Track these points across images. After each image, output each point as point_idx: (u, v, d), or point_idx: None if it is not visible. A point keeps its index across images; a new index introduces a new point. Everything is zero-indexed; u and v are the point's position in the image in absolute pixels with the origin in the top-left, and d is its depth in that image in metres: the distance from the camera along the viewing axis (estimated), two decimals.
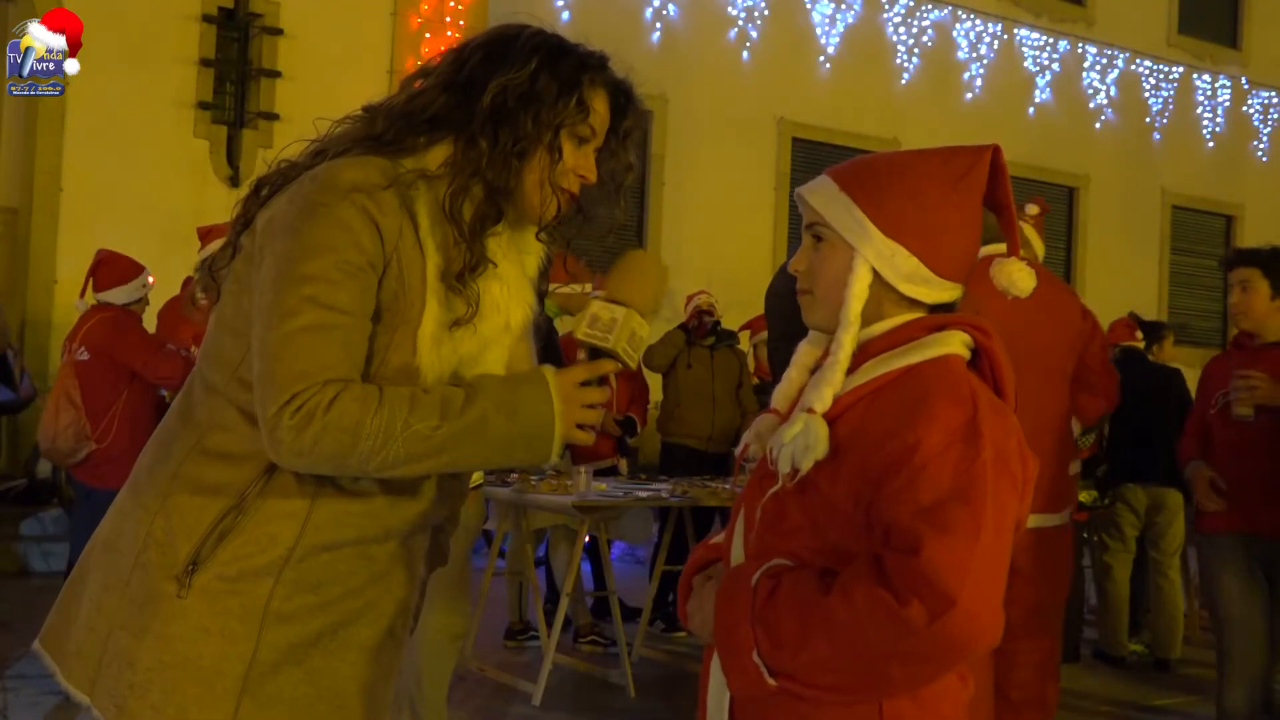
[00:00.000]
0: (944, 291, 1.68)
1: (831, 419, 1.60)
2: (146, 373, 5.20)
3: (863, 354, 1.64)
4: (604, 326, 1.77)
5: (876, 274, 1.65)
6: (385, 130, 1.80)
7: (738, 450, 1.79)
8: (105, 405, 5.16)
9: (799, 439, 1.58)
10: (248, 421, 1.73)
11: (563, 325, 6.67)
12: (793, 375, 1.77)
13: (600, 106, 1.85)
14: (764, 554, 1.63)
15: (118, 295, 5.32)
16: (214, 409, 1.77)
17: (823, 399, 1.60)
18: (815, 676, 1.52)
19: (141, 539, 1.76)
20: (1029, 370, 3.61)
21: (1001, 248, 3.92)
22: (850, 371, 1.63)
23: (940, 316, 1.67)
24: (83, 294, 5.26)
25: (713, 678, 1.68)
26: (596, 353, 1.79)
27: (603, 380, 1.79)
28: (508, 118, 1.78)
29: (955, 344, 1.64)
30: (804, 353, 1.78)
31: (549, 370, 1.75)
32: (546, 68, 1.80)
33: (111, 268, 5.33)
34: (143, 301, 5.46)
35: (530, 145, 1.79)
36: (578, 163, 1.84)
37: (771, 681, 1.54)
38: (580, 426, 1.77)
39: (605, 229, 1.97)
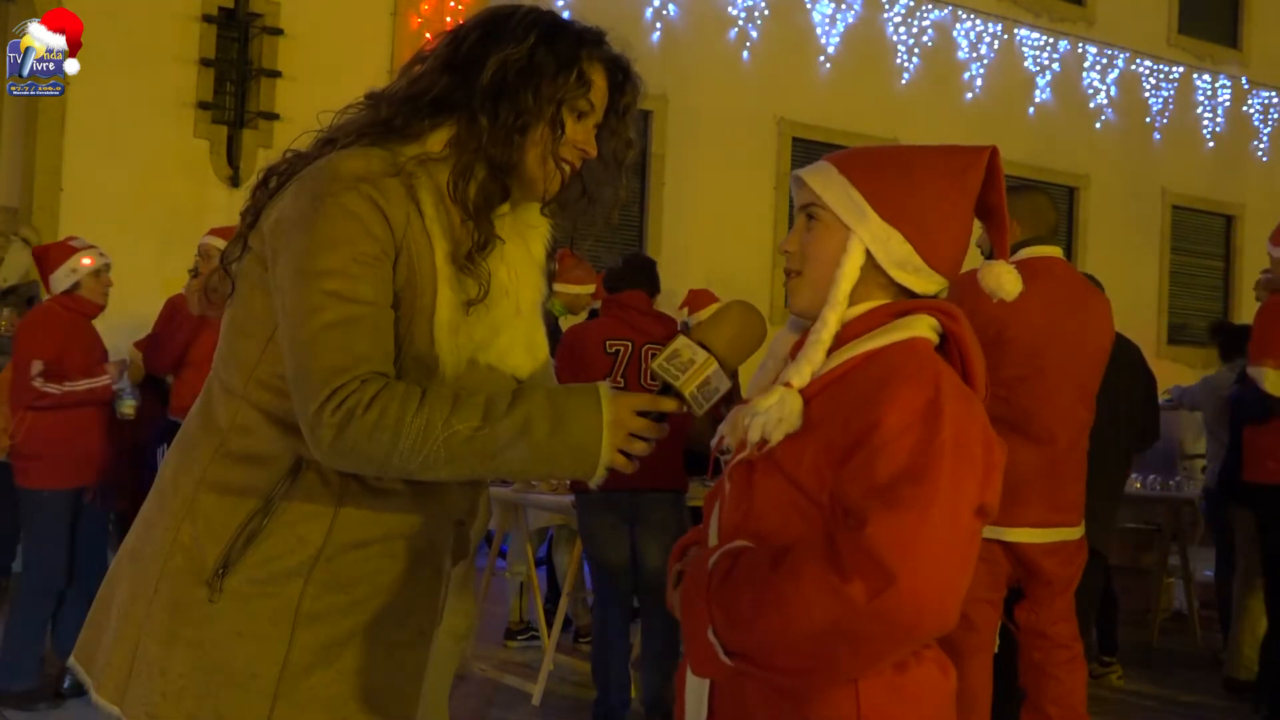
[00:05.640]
0: (931, 282, 1.69)
1: (805, 399, 1.60)
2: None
3: (839, 337, 1.64)
4: (681, 365, 1.70)
5: (869, 257, 1.65)
6: (392, 116, 1.79)
7: (713, 442, 1.77)
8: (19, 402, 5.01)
9: (773, 410, 1.58)
10: (269, 423, 1.73)
11: (565, 323, 6.68)
12: (769, 364, 1.77)
13: (599, 81, 1.85)
14: (733, 530, 1.64)
15: (55, 285, 5.06)
16: (234, 412, 1.77)
17: (801, 375, 1.61)
18: (767, 656, 1.52)
19: (169, 545, 1.75)
20: (1065, 382, 3.66)
21: (1046, 250, 3.90)
22: (827, 354, 1.64)
23: (908, 302, 1.67)
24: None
25: (689, 671, 1.69)
26: (667, 389, 1.71)
27: (661, 417, 1.72)
28: (508, 93, 1.77)
29: (922, 328, 1.64)
30: (781, 341, 1.78)
31: (603, 386, 1.72)
32: (544, 43, 1.79)
33: (42, 259, 5.13)
34: (81, 286, 5.04)
35: (532, 119, 1.78)
36: (577, 137, 1.84)
37: (727, 660, 1.54)
38: (626, 455, 1.70)
39: (609, 207, 1.97)
